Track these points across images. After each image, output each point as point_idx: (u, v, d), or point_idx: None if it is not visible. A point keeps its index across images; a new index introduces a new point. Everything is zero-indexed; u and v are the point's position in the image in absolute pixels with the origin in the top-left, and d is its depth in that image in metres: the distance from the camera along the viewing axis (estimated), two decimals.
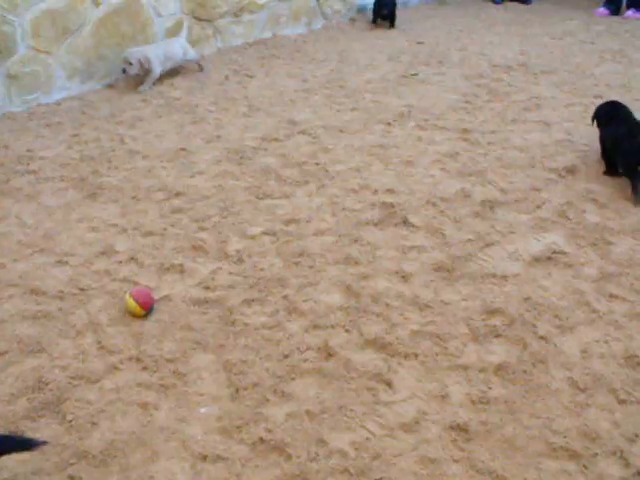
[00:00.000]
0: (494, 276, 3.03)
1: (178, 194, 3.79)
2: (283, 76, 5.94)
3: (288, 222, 3.48)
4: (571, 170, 4.00)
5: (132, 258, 3.21)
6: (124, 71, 5.44)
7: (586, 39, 7.11)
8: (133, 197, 3.77)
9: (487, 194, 3.73)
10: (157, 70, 5.56)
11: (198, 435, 2.23)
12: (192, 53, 5.94)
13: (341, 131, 4.65)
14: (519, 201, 3.67)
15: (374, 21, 7.73)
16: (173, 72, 5.84)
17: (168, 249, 3.27)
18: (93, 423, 2.28)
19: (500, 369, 2.49)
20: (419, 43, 7.03)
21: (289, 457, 2.14)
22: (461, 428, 2.24)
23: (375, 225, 3.44)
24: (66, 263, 3.19)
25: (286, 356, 2.56)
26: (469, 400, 2.35)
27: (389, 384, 2.42)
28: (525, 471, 2.09)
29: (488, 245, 3.26)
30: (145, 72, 5.50)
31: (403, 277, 3.02)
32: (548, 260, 3.15)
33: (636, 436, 2.21)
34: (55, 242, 3.36)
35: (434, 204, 3.62)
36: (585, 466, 2.11)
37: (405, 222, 3.46)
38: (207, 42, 6.54)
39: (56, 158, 4.29)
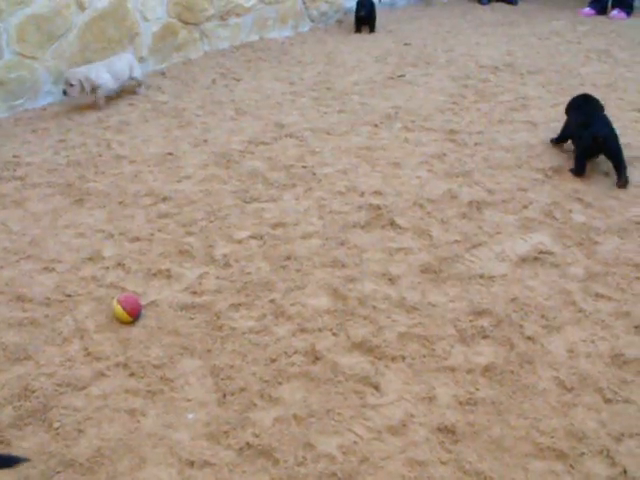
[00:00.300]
0: (481, 277, 3.04)
1: (165, 199, 3.78)
2: (270, 79, 5.94)
3: (275, 226, 3.48)
4: (557, 170, 4.02)
5: (119, 264, 3.20)
6: (65, 93, 5.03)
7: (572, 39, 7.15)
8: (120, 202, 3.76)
9: (474, 195, 3.74)
10: (107, 86, 5.20)
11: (185, 441, 2.23)
12: (138, 70, 5.54)
13: (328, 133, 4.65)
14: (506, 201, 3.68)
15: (357, 29, 7.69)
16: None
17: (155, 254, 3.26)
18: (80, 430, 2.27)
19: (487, 370, 2.49)
20: (406, 44, 7.05)
21: (277, 462, 2.13)
22: (448, 430, 2.24)
23: (362, 227, 3.44)
24: (53, 269, 3.17)
25: (273, 360, 2.55)
26: (456, 402, 2.36)
27: (376, 387, 2.42)
28: (513, 472, 2.10)
29: (475, 246, 3.27)
30: (88, 93, 5.11)
31: (390, 279, 3.02)
32: (535, 260, 3.16)
33: (622, 435, 2.21)
34: (42, 248, 3.34)
35: (421, 205, 3.63)
36: (572, 466, 2.11)
37: (392, 224, 3.46)
38: (194, 46, 6.54)
39: (43, 164, 4.28)
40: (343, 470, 2.10)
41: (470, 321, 2.75)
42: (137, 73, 5.53)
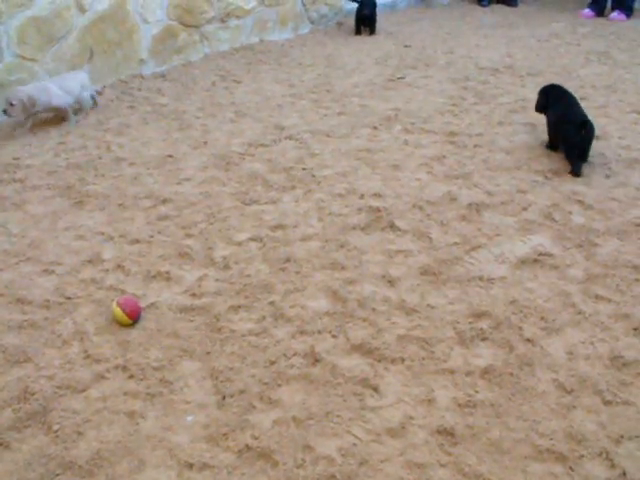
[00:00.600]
0: (480, 279, 3.04)
1: (165, 201, 3.79)
2: (270, 81, 5.94)
3: (275, 228, 3.48)
4: (557, 172, 4.02)
5: (119, 266, 3.20)
6: (4, 112, 4.68)
7: (572, 41, 7.15)
8: (120, 205, 3.77)
9: (473, 197, 3.74)
10: (65, 102, 4.90)
11: (185, 443, 2.23)
12: (88, 92, 5.18)
13: (328, 136, 4.65)
14: (505, 203, 3.68)
15: (357, 31, 7.68)
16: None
17: (155, 256, 3.27)
18: (79, 433, 2.27)
19: (486, 372, 2.49)
20: (406, 46, 7.06)
21: (276, 464, 2.13)
22: (448, 432, 2.24)
23: (362, 230, 3.44)
24: (52, 272, 3.18)
25: (272, 362, 2.55)
26: (455, 404, 2.36)
27: (375, 389, 2.42)
28: (512, 474, 2.10)
29: (474, 248, 3.27)
30: (29, 114, 4.76)
31: (389, 281, 3.02)
32: (534, 262, 3.16)
33: (622, 437, 2.21)
34: (41, 251, 3.35)
35: (420, 208, 3.63)
36: (571, 468, 2.11)
37: (392, 226, 3.46)
38: (194, 48, 6.55)
39: (42, 166, 4.28)
40: (342, 472, 2.10)
41: (469, 323, 2.75)
42: (87, 94, 5.16)
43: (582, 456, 2.15)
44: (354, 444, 2.20)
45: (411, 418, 2.30)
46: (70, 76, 5.10)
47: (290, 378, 2.48)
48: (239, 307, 2.88)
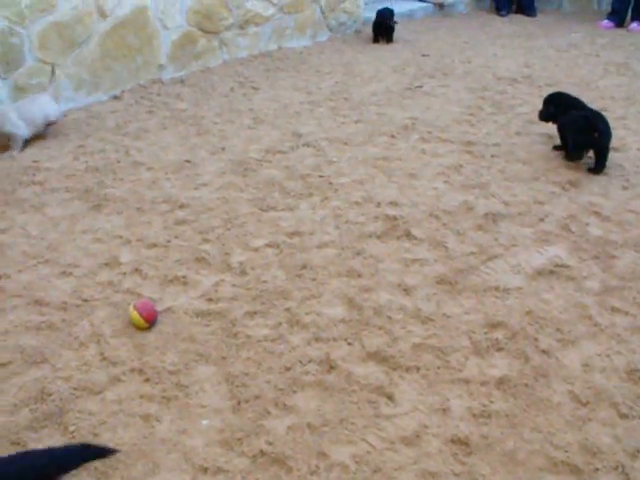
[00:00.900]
0: (496, 289, 3.03)
1: (182, 206, 3.81)
2: (288, 88, 5.97)
3: (291, 234, 3.49)
4: (574, 183, 4.01)
5: (136, 270, 3.22)
6: None
7: (591, 52, 7.13)
8: (137, 209, 3.79)
9: (490, 207, 3.74)
10: (18, 134, 4.57)
11: (199, 447, 2.24)
12: (55, 112, 4.81)
13: (345, 143, 4.67)
14: (522, 214, 3.67)
15: (375, 39, 7.69)
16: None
17: (172, 261, 3.29)
18: (95, 434, 2.29)
19: (501, 383, 2.49)
20: (424, 55, 7.06)
21: (290, 470, 2.14)
22: (462, 442, 2.24)
23: (378, 238, 3.45)
24: (70, 274, 3.20)
25: (288, 369, 2.56)
26: (470, 414, 2.35)
27: (390, 397, 2.42)
28: None
29: (491, 258, 3.27)
30: None
31: (405, 290, 3.03)
32: (550, 273, 3.15)
33: (638, 451, 2.20)
34: (59, 253, 3.38)
35: (437, 217, 3.63)
36: None
37: (408, 235, 3.47)
38: (213, 54, 6.59)
39: (61, 169, 4.32)
40: None
41: (485, 333, 2.75)
42: (54, 115, 4.82)
43: (597, 469, 2.14)
44: (368, 452, 2.21)
45: (425, 427, 2.30)
46: (30, 102, 4.75)
47: (305, 384, 2.49)
48: (255, 313, 2.89)
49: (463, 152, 4.50)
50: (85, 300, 3.01)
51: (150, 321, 2.80)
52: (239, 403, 2.41)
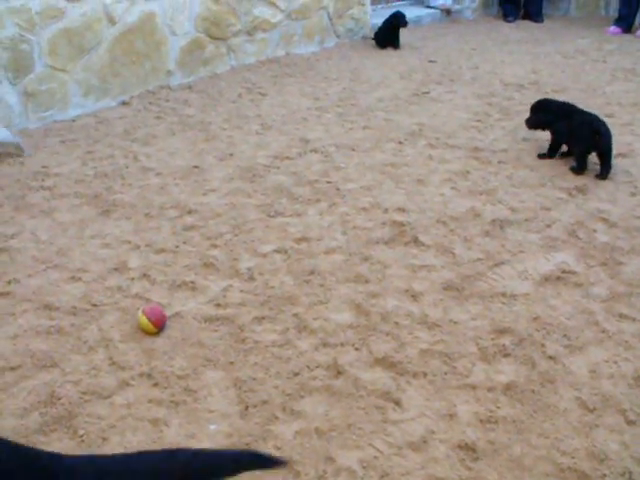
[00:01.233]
0: (503, 295, 3.04)
1: (190, 211, 3.83)
2: (296, 94, 5.99)
3: (299, 240, 3.51)
4: (581, 189, 4.02)
5: (144, 275, 3.24)
6: None
7: (598, 57, 7.14)
8: (146, 214, 3.82)
9: (497, 213, 3.75)
10: None
11: None
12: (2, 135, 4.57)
13: (353, 149, 4.68)
14: (529, 220, 3.68)
15: (383, 46, 7.70)
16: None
17: (180, 266, 3.31)
18: (104, 438, 2.31)
19: (508, 389, 2.49)
20: (431, 61, 7.08)
21: (298, 474, 2.15)
22: (469, 447, 2.25)
23: (385, 244, 3.46)
24: (79, 279, 3.22)
25: (296, 374, 2.57)
26: (477, 419, 2.36)
27: (398, 403, 2.43)
28: None
29: (498, 264, 3.28)
30: None
31: (413, 296, 3.04)
32: (558, 279, 3.15)
33: None
34: (69, 258, 3.40)
35: (444, 223, 3.64)
36: None
37: (415, 241, 3.48)
38: (221, 60, 6.62)
39: (71, 174, 4.35)
40: None
41: (492, 339, 2.76)
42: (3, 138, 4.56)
43: (604, 475, 2.14)
44: (375, 457, 2.22)
45: (432, 432, 2.31)
46: None
47: (313, 390, 2.50)
48: (263, 318, 2.91)
49: (470, 158, 4.52)
50: (94, 305, 3.03)
51: (159, 326, 2.82)
52: (247, 408, 2.42)
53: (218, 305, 3.00)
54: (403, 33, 7.72)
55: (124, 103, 5.70)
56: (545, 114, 4.46)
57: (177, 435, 2.32)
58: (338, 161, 4.48)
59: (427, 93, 5.96)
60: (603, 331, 2.80)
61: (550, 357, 2.65)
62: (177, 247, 3.47)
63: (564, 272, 3.20)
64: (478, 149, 4.65)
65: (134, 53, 5.77)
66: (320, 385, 2.52)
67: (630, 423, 2.34)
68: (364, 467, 2.17)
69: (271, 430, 2.32)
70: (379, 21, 7.79)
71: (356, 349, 2.70)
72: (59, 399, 2.47)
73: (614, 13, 8.73)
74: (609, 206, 3.82)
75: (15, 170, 4.41)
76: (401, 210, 3.79)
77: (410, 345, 2.72)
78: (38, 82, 5.11)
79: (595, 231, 3.56)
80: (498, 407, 2.41)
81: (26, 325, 2.89)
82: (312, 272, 3.22)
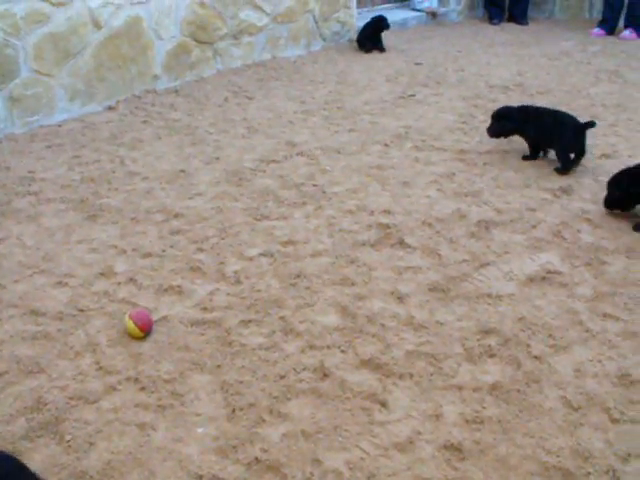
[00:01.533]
0: (489, 296, 3.06)
1: (177, 215, 3.83)
2: (282, 98, 6.01)
3: (285, 243, 3.52)
4: (566, 190, 4.05)
5: (131, 279, 3.24)
6: None
7: (582, 59, 7.19)
8: (132, 219, 3.81)
9: (483, 214, 3.77)
10: None
11: (194, 455, 2.25)
12: None
13: (339, 152, 4.70)
14: (514, 221, 3.70)
15: (368, 49, 7.69)
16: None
17: (167, 270, 3.31)
18: (91, 443, 2.31)
19: (494, 389, 2.51)
20: (417, 64, 7.11)
21: (284, 477, 2.16)
22: (455, 448, 2.26)
23: (371, 246, 3.48)
24: (66, 284, 3.22)
25: (282, 377, 2.58)
26: (463, 420, 2.37)
27: (384, 404, 2.44)
28: None
29: (483, 265, 3.30)
30: None
31: (399, 298, 3.05)
32: (543, 280, 3.18)
33: (629, 455, 2.22)
34: (55, 263, 3.39)
35: (430, 225, 3.66)
36: None
37: (401, 243, 3.49)
38: (207, 64, 6.62)
39: (57, 179, 4.34)
40: None
41: (477, 340, 2.77)
42: None
43: (589, 473, 2.16)
44: (362, 458, 2.22)
45: (419, 433, 2.32)
46: None
47: (299, 392, 2.51)
48: (250, 321, 2.91)
49: (456, 160, 4.54)
50: (81, 310, 3.02)
51: (145, 330, 2.82)
52: (234, 411, 2.43)
53: (205, 309, 3.01)
54: (389, 36, 7.76)
55: (110, 108, 5.69)
56: (507, 121, 4.48)
57: (164, 439, 2.32)
58: (324, 164, 4.50)
59: (413, 96, 5.99)
60: (587, 330, 2.83)
61: (535, 357, 2.67)
62: (164, 251, 3.47)
63: (549, 272, 3.23)
64: (464, 151, 4.68)
65: (120, 57, 5.76)
66: (306, 387, 2.52)
67: (614, 421, 2.36)
68: (351, 469, 2.18)
69: (258, 433, 2.33)
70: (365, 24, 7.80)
71: (342, 351, 2.71)
72: (45, 404, 2.47)
73: (598, 15, 8.80)
74: (593, 206, 3.85)
75: (1, 175, 4.40)
76: (387, 212, 3.81)
77: (396, 347, 2.73)
78: (24, 87, 5.10)
79: (579, 231, 3.59)
80: (484, 407, 2.43)
81: (12, 331, 2.88)
82: (298, 275, 3.23)
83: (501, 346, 2.73)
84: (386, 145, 4.82)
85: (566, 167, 4.26)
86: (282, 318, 2.93)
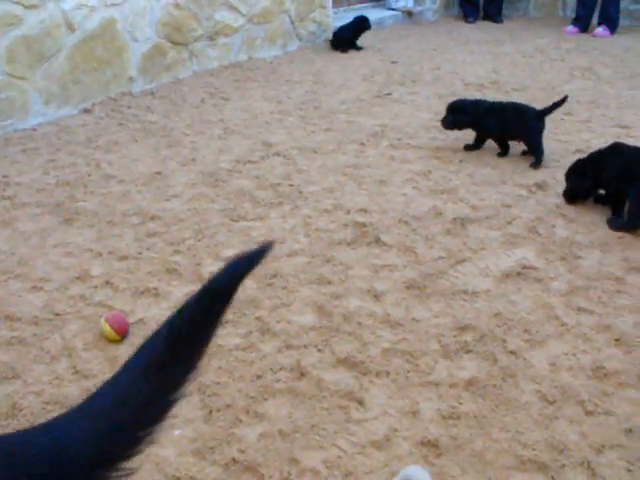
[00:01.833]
0: (465, 292, 3.08)
1: (153, 218, 3.82)
2: (258, 98, 6.00)
3: (262, 244, 3.51)
4: (541, 186, 4.08)
5: (107, 282, 3.22)
6: None
7: (556, 57, 7.25)
8: (109, 222, 3.79)
9: (458, 211, 3.79)
10: None
11: (172, 457, 2.25)
12: None
13: (315, 152, 4.70)
14: (490, 217, 3.73)
15: (344, 49, 7.71)
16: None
17: (143, 273, 3.29)
18: None
19: (470, 384, 2.52)
20: (393, 63, 7.14)
21: (262, 477, 2.16)
22: (432, 444, 2.27)
23: (348, 245, 3.48)
24: (41, 289, 3.20)
25: (259, 377, 2.58)
26: (440, 416, 2.39)
27: (361, 402, 2.45)
28: None
29: (459, 262, 3.31)
30: None
31: (375, 296, 3.06)
32: (518, 275, 3.20)
33: (603, 447, 2.25)
34: (30, 268, 3.37)
35: (406, 222, 3.68)
36: (553, 478, 2.14)
37: (377, 241, 3.50)
38: (183, 65, 6.60)
39: (32, 183, 4.31)
40: None
41: (454, 336, 2.79)
42: None
43: (564, 465, 2.18)
44: (339, 456, 2.23)
45: (395, 430, 2.33)
46: None
47: (276, 392, 2.51)
48: (226, 322, 2.91)
49: (432, 158, 4.56)
50: (56, 314, 3.01)
51: (122, 333, 2.81)
52: (211, 412, 2.42)
53: None
54: (365, 35, 7.76)
55: (86, 111, 5.66)
56: (462, 115, 4.52)
57: None
58: (300, 164, 4.50)
59: (389, 94, 6.01)
60: (562, 325, 2.85)
61: (511, 352, 2.69)
62: (140, 254, 3.46)
63: (524, 268, 3.25)
64: (439, 149, 4.70)
65: (95, 60, 5.73)
66: (283, 387, 2.53)
67: (589, 414, 2.38)
68: (328, 467, 2.19)
69: (235, 433, 2.32)
70: (341, 24, 7.82)
71: (319, 350, 2.72)
72: (21, 410, 2.45)
73: (571, 13, 8.88)
74: None
75: None
76: (363, 211, 3.82)
77: (373, 344, 2.74)
78: None
79: (554, 227, 3.62)
80: (460, 403, 2.44)
81: None
82: (275, 275, 3.23)
83: (477, 342, 2.75)
84: (362, 144, 4.83)
85: (539, 155, 4.32)
86: (259, 318, 2.92)
